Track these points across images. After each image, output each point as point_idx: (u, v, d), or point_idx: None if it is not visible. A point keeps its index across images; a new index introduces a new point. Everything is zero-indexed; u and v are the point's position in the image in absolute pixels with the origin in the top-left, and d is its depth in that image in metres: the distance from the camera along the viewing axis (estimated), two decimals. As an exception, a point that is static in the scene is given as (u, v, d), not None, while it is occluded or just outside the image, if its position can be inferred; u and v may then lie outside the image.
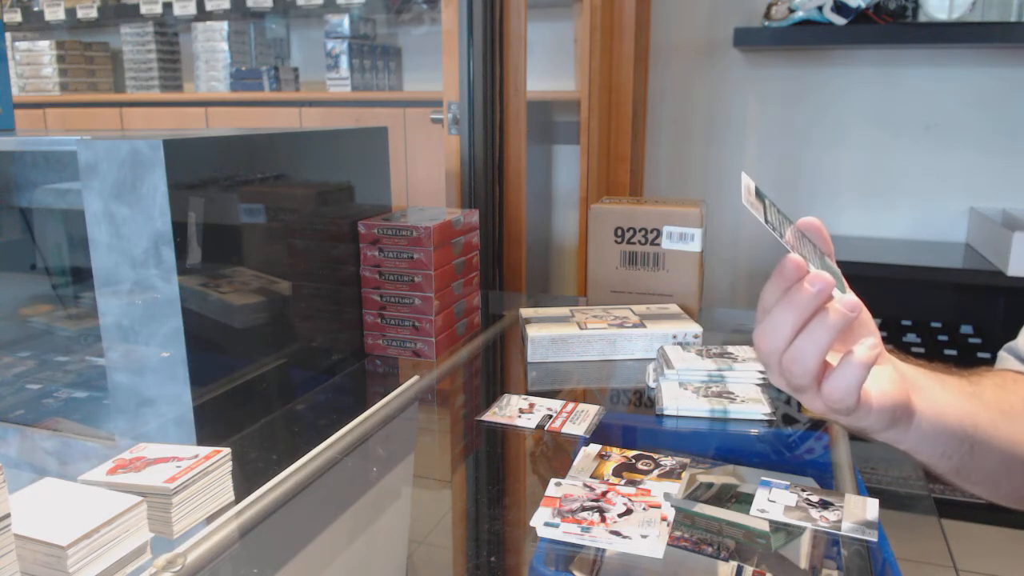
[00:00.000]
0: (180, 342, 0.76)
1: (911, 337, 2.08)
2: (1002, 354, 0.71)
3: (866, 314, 0.53)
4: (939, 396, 0.57)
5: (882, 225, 2.23)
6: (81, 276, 1.13)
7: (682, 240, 1.20)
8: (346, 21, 2.49)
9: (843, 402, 0.50)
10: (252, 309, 0.87)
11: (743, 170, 2.45)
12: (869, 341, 0.50)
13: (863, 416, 0.52)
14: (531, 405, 0.89)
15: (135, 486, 0.62)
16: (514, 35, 1.55)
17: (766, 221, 0.48)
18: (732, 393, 0.89)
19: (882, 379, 0.53)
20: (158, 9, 2.67)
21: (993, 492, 0.63)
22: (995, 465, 0.60)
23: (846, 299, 0.49)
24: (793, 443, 0.83)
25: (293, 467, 0.76)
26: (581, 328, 1.07)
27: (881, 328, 2.13)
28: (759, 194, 0.49)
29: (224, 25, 2.64)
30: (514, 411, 0.88)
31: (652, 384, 0.96)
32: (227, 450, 0.68)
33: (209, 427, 0.79)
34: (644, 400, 0.95)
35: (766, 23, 2.06)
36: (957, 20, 1.96)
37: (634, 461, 0.73)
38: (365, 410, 0.89)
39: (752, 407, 0.85)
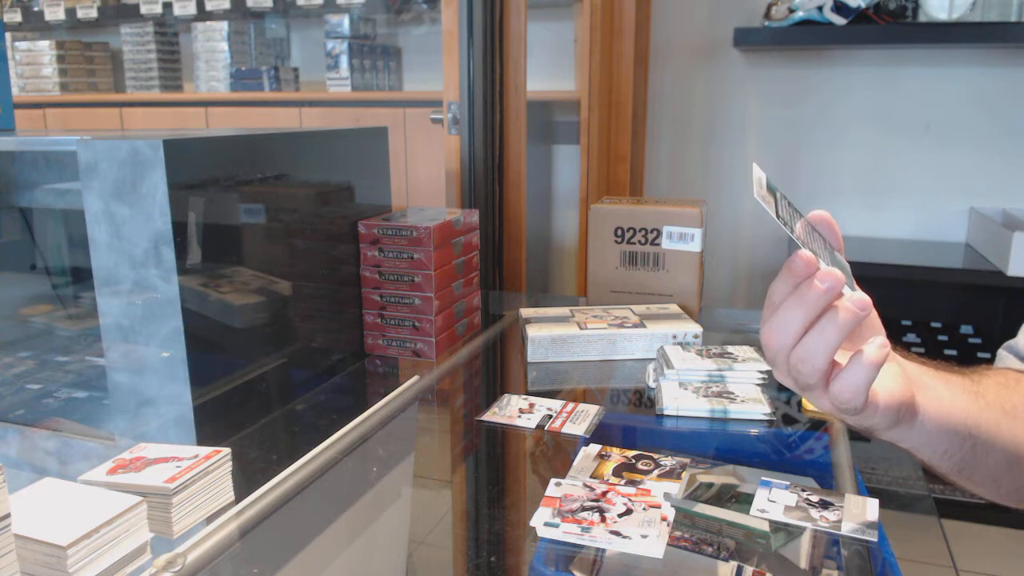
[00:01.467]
0: (180, 342, 0.76)
1: (911, 337, 2.08)
2: (1001, 352, 0.71)
3: (874, 312, 0.52)
4: (942, 394, 0.57)
5: (882, 225, 2.23)
6: (81, 276, 1.13)
7: (682, 240, 1.20)
8: (346, 21, 2.49)
9: (852, 402, 0.50)
10: (252, 309, 0.87)
11: (745, 169, 2.44)
12: (878, 340, 0.49)
13: (869, 415, 0.52)
14: (531, 405, 0.89)
15: (135, 486, 0.62)
16: (514, 35, 1.55)
17: (777, 216, 0.47)
18: (732, 393, 0.89)
19: (888, 378, 0.53)
20: (158, 9, 2.67)
21: (994, 491, 0.63)
22: (996, 464, 0.60)
23: (856, 297, 0.48)
24: (793, 443, 0.83)
25: (293, 467, 0.76)
26: (581, 328, 1.07)
27: (881, 328, 2.13)
28: (770, 187, 0.49)
29: (224, 25, 2.64)
30: (514, 411, 0.88)
31: (652, 384, 0.96)
32: (227, 450, 0.68)
33: (209, 427, 0.79)
34: (644, 400, 0.95)
35: (766, 23, 2.06)
36: (957, 20, 1.96)
37: (634, 461, 0.73)
38: (365, 410, 0.89)
39: (752, 407, 0.85)
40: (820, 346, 0.48)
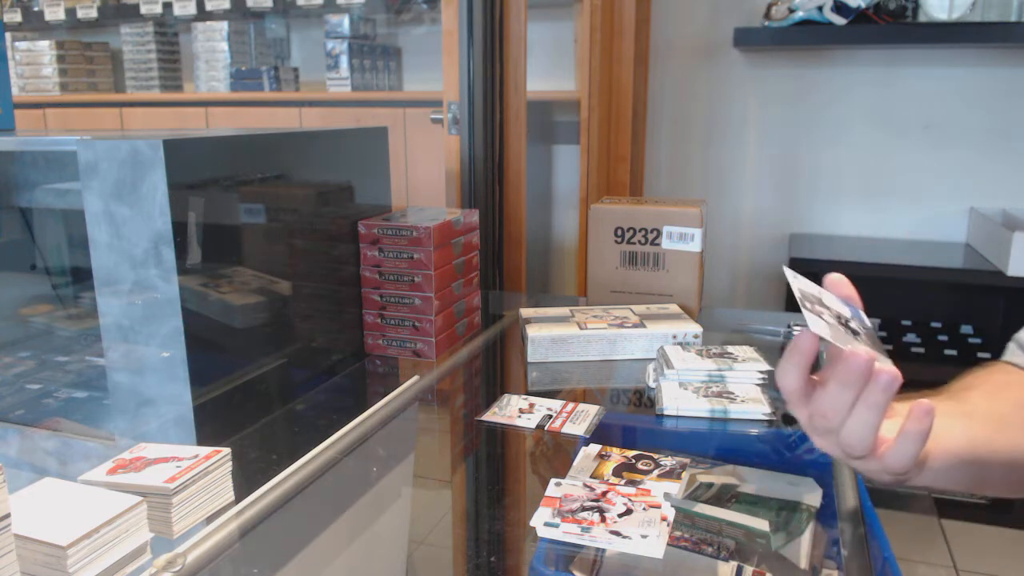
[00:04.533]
0: (180, 342, 0.76)
1: (911, 337, 2.08)
2: (1011, 345, 0.72)
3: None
4: (942, 432, 0.57)
5: (882, 225, 2.23)
6: (81, 276, 1.13)
7: (682, 240, 1.20)
8: (346, 21, 2.50)
9: (905, 471, 0.53)
10: (252, 309, 0.87)
11: (745, 169, 2.43)
12: (923, 407, 0.51)
13: (913, 475, 0.55)
14: (531, 405, 0.89)
15: (135, 486, 0.62)
16: (514, 35, 1.55)
17: (832, 336, 0.50)
18: (732, 393, 0.89)
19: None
20: (158, 9, 2.67)
21: (1006, 493, 0.64)
22: (1001, 474, 0.60)
23: (885, 378, 0.50)
24: (793, 443, 0.83)
25: (293, 467, 0.76)
26: (581, 328, 1.07)
27: (881, 328, 2.13)
28: (806, 295, 0.53)
29: (224, 25, 2.64)
30: (514, 411, 0.88)
31: (652, 384, 0.96)
32: (227, 450, 0.68)
33: (209, 427, 0.79)
34: (644, 400, 0.95)
35: (766, 23, 2.06)
36: (957, 20, 1.96)
37: (634, 461, 0.73)
38: (365, 410, 0.89)
39: (752, 407, 0.85)
40: (866, 427, 0.51)
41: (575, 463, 0.73)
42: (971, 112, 2.10)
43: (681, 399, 0.87)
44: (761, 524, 0.63)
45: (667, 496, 0.65)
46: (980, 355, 1.96)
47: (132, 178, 0.74)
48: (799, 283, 0.53)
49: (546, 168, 2.48)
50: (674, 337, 1.06)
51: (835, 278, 0.56)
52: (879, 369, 0.50)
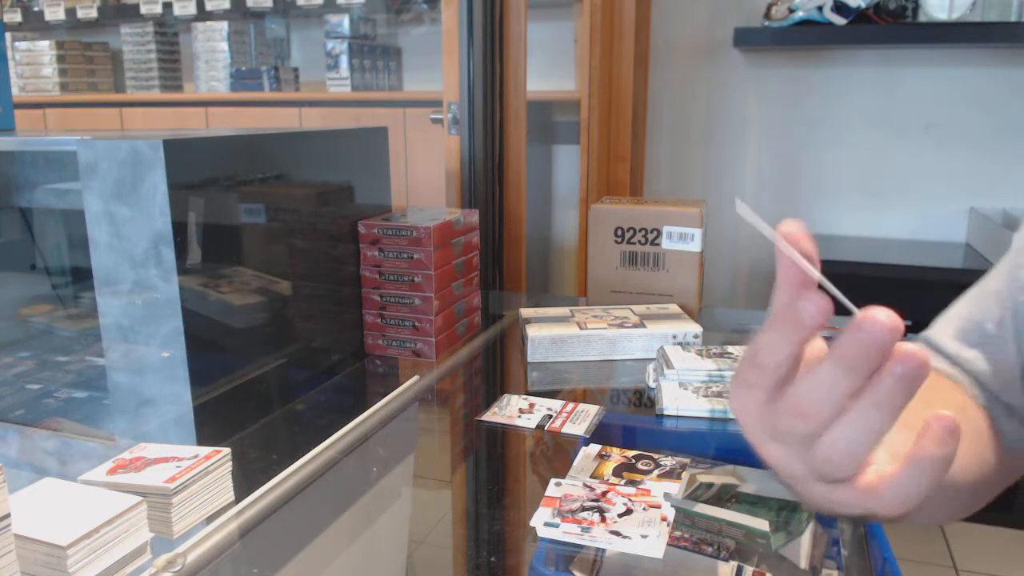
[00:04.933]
0: (180, 342, 0.76)
1: (911, 337, 2.08)
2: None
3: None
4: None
5: (882, 225, 2.23)
6: (81, 276, 1.13)
7: (682, 240, 1.20)
8: (346, 21, 2.50)
9: (906, 510, 0.36)
10: (252, 309, 0.87)
11: (745, 169, 2.43)
12: (943, 423, 0.34)
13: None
14: (531, 405, 0.89)
15: (135, 486, 0.62)
16: (514, 35, 1.55)
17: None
18: (732, 393, 0.89)
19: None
20: (158, 9, 2.67)
21: (944, 518, 0.57)
22: (945, 492, 0.51)
23: (910, 365, 0.33)
24: (793, 443, 0.83)
25: (293, 467, 0.76)
26: (581, 328, 1.07)
27: (881, 328, 2.13)
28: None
29: (224, 25, 2.64)
30: (514, 411, 0.88)
31: (652, 384, 0.96)
32: (227, 450, 0.68)
33: (209, 427, 0.79)
34: (644, 400, 0.95)
35: (766, 23, 2.06)
36: (957, 20, 1.96)
37: (634, 461, 0.73)
38: (365, 410, 0.89)
39: (752, 407, 0.85)
40: (865, 435, 0.34)
41: (575, 463, 0.73)
42: (971, 112, 2.10)
43: (681, 399, 0.87)
44: (761, 524, 0.63)
45: (667, 496, 0.65)
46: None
47: (132, 178, 0.74)
48: (764, 227, 0.36)
49: (546, 168, 2.48)
50: (674, 337, 1.06)
51: (792, 232, 0.35)
52: (902, 351, 0.32)
